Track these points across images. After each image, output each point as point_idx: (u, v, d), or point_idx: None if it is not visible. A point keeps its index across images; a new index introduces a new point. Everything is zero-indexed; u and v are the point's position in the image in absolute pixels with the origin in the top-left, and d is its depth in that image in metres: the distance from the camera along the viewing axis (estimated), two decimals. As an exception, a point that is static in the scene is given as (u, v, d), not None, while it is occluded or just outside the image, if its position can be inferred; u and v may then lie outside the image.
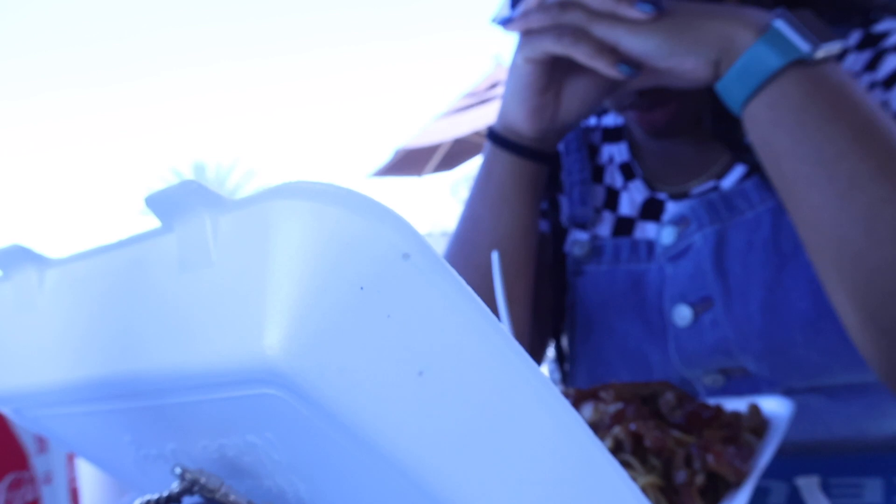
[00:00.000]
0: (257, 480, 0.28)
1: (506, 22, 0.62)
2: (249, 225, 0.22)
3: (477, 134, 5.45)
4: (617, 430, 0.47)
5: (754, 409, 0.53)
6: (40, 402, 0.31)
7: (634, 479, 0.36)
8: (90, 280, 0.28)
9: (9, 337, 0.31)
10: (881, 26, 0.66)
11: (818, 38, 0.51)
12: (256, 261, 0.21)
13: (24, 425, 0.34)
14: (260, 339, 0.21)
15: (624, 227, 0.75)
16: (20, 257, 0.30)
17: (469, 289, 0.24)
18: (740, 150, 0.64)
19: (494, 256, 0.56)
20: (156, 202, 0.24)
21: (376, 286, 0.22)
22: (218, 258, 0.23)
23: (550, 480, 0.25)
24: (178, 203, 0.24)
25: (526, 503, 0.25)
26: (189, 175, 27.79)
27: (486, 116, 5.44)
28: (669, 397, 0.52)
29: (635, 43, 0.54)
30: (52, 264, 0.30)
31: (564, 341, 0.82)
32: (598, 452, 0.26)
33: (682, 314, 0.70)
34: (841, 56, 0.64)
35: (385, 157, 6.41)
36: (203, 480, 0.40)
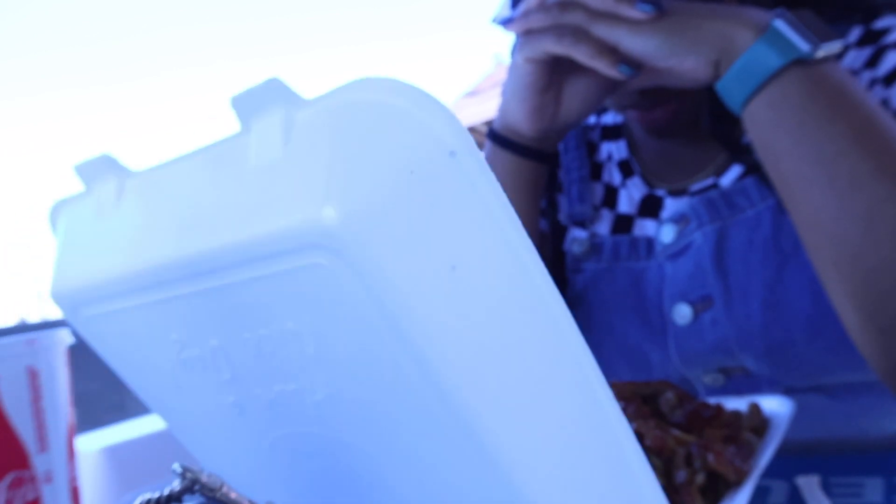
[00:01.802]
0: (284, 384, 0.30)
1: (506, 22, 0.62)
2: (321, 117, 0.25)
3: (476, 132, 5.46)
4: (617, 429, 0.47)
5: (755, 409, 0.53)
6: (98, 297, 0.32)
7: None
8: (167, 184, 0.30)
9: (84, 242, 0.33)
10: (881, 23, 0.66)
11: (818, 38, 0.51)
12: (323, 145, 0.24)
13: (77, 327, 0.35)
14: (319, 207, 0.23)
15: (623, 224, 0.75)
16: (104, 168, 0.32)
17: (505, 198, 0.26)
18: (738, 150, 0.64)
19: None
20: (238, 102, 0.27)
21: (424, 174, 0.24)
22: (289, 149, 0.25)
23: (555, 382, 0.27)
24: (258, 100, 0.26)
25: (533, 401, 0.27)
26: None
27: (485, 113, 5.45)
28: (670, 396, 0.52)
29: (636, 43, 0.54)
30: (133, 175, 0.32)
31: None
32: (594, 372, 0.28)
33: (682, 313, 0.70)
34: (841, 53, 0.64)
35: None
36: (204, 479, 0.40)
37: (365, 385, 0.27)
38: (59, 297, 0.34)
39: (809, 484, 0.49)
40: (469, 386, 0.25)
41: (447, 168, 0.25)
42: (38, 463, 0.48)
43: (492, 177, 0.26)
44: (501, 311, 0.26)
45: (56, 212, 0.36)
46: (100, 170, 0.33)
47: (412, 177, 0.24)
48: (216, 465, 0.35)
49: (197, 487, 0.42)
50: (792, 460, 0.54)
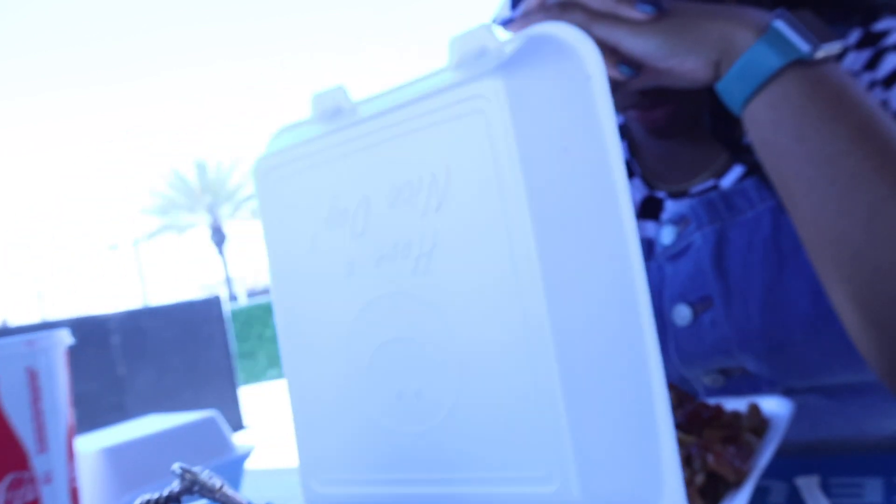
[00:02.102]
0: (400, 235, 0.38)
1: (506, 22, 0.62)
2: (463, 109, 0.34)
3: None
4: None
5: (754, 409, 0.53)
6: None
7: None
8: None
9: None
10: (881, 25, 0.66)
11: (818, 38, 0.51)
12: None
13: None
14: None
15: None
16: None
17: (613, 129, 0.34)
18: (739, 150, 0.64)
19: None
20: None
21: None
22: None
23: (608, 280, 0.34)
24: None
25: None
26: (191, 174, 27.77)
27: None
28: (670, 397, 0.52)
29: (636, 43, 0.54)
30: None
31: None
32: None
33: (682, 314, 0.70)
34: (841, 55, 0.64)
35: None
36: (203, 479, 0.40)
37: (466, 252, 0.34)
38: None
39: (809, 484, 0.49)
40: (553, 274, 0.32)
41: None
42: (38, 463, 0.48)
43: (608, 101, 0.35)
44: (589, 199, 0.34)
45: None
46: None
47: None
48: (305, 330, 0.41)
49: (196, 488, 0.42)
50: (791, 461, 0.54)
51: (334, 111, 0.42)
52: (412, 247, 0.36)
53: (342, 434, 0.39)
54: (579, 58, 0.35)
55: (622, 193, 0.34)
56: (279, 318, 0.43)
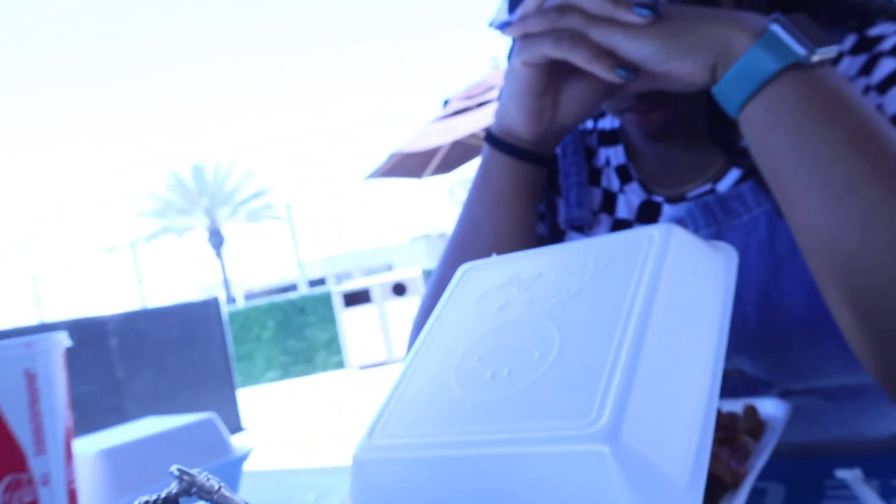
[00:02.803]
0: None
1: (504, 26, 0.62)
2: (629, 240, 0.48)
3: (474, 136, 5.45)
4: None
5: (751, 411, 0.53)
6: None
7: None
8: None
9: None
10: (876, 30, 0.66)
11: (814, 43, 0.51)
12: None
13: None
14: None
15: (621, 229, 0.75)
16: None
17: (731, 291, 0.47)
18: (735, 154, 0.64)
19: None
20: None
21: None
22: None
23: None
24: None
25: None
26: (189, 177, 27.77)
27: (481, 117, 5.44)
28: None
29: (633, 47, 0.55)
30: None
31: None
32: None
33: None
34: (836, 60, 0.65)
35: (381, 160, 6.40)
36: (201, 481, 0.40)
37: (598, 302, 0.43)
38: None
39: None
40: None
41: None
42: (36, 465, 0.48)
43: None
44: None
45: None
46: None
47: None
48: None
49: (194, 490, 0.42)
50: (788, 462, 0.54)
51: None
52: (559, 294, 0.45)
53: (422, 404, 0.44)
54: (723, 248, 0.49)
55: (725, 311, 0.45)
56: (422, 335, 0.49)
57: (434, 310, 0.51)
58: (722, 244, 0.50)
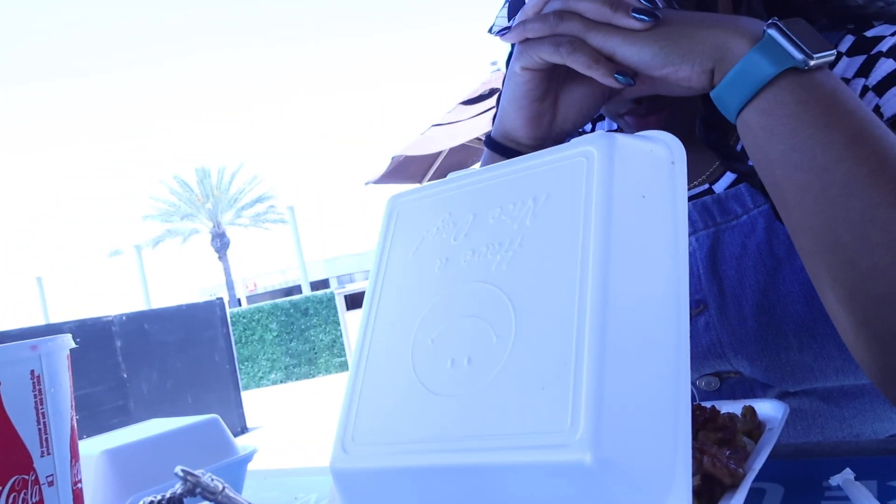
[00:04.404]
0: (490, 242, 0.44)
1: (503, 32, 0.62)
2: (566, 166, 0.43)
3: (477, 139, 5.45)
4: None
5: (749, 412, 0.53)
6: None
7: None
8: None
9: None
10: (873, 31, 0.66)
11: (811, 47, 0.51)
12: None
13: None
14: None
15: None
16: None
17: (684, 195, 0.44)
18: (730, 158, 0.65)
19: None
20: None
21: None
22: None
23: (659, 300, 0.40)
24: None
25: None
26: (193, 181, 27.79)
27: (481, 121, 5.44)
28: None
29: (631, 52, 0.55)
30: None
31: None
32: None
33: None
34: (834, 61, 0.65)
35: (384, 165, 6.40)
36: (205, 482, 0.41)
37: (546, 253, 0.40)
38: None
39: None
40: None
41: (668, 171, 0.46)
42: (41, 466, 0.48)
43: (684, 180, 0.45)
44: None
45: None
46: None
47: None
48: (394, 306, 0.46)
49: (198, 490, 0.43)
50: (786, 463, 0.54)
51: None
52: (501, 247, 0.42)
53: (386, 400, 0.42)
54: (669, 148, 0.46)
55: (682, 235, 0.42)
56: (366, 308, 0.47)
57: (373, 262, 0.49)
58: (662, 135, 0.47)
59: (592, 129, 0.85)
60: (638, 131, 0.69)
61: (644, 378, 0.37)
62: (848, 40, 0.67)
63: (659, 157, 0.44)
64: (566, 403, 0.34)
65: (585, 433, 0.33)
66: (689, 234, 0.70)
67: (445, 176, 0.51)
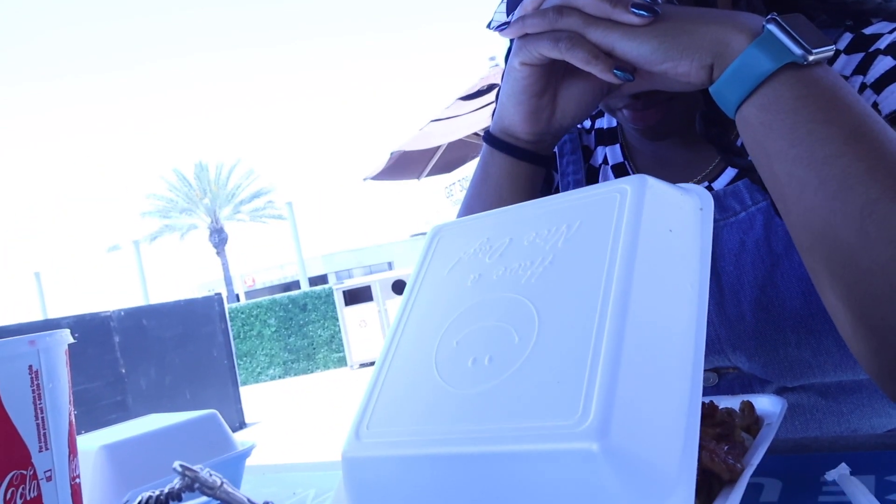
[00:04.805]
0: (521, 262, 0.46)
1: (502, 27, 0.62)
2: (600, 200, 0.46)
3: (475, 134, 5.45)
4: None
5: (747, 407, 0.53)
6: None
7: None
8: None
9: None
10: (871, 29, 0.66)
11: (810, 42, 0.51)
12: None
13: None
14: None
15: None
16: None
17: (709, 237, 0.46)
18: (730, 153, 0.65)
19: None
20: None
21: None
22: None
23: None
24: None
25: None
26: (192, 176, 27.77)
27: (480, 116, 5.44)
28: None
29: (630, 47, 0.55)
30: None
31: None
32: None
33: None
34: (832, 59, 0.65)
35: (382, 160, 6.40)
36: (203, 477, 0.41)
37: (573, 272, 0.42)
38: None
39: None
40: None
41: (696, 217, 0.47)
42: (39, 461, 0.48)
43: (709, 225, 0.46)
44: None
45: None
46: None
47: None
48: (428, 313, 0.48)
49: (197, 486, 0.43)
50: (784, 458, 0.54)
51: None
52: (532, 265, 0.44)
53: (406, 394, 0.43)
54: (699, 197, 0.48)
55: (704, 268, 0.44)
56: (397, 317, 0.49)
57: (409, 280, 0.51)
58: (694, 187, 0.49)
59: (592, 125, 0.84)
60: (635, 124, 0.70)
61: (657, 379, 0.37)
62: (846, 38, 0.67)
63: (688, 201, 0.47)
64: (578, 396, 0.35)
65: (594, 422, 0.34)
66: None
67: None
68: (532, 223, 0.48)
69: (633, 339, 0.37)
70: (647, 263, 0.41)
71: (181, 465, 0.45)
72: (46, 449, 0.49)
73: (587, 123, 0.85)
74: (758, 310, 0.67)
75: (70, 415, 0.52)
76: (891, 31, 0.65)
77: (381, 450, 0.41)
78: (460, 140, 5.64)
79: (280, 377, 13.09)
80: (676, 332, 0.40)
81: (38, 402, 0.49)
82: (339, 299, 11.42)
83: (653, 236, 0.42)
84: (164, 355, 7.85)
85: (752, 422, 0.52)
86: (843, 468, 0.48)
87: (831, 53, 0.52)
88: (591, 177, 0.81)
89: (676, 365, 0.39)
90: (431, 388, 0.42)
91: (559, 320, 0.40)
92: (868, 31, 0.66)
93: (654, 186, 0.45)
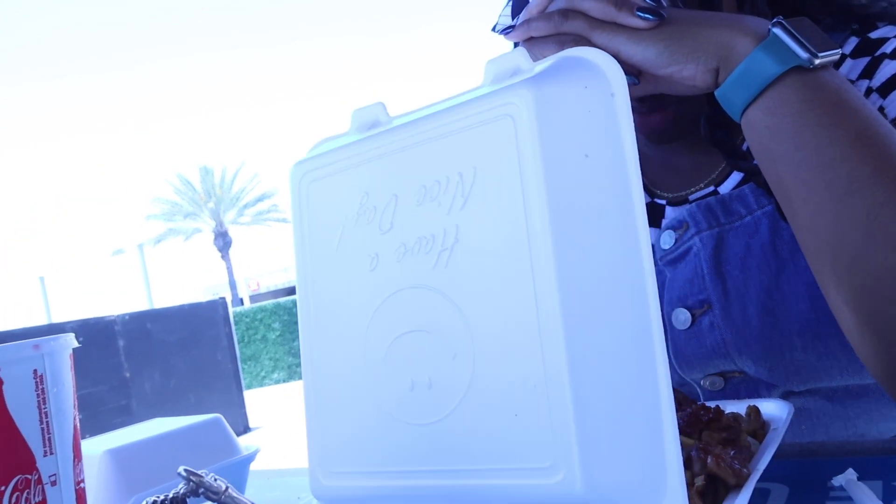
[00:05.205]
0: (424, 231, 0.39)
1: (507, 30, 0.62)
2: (490, 131, 0.36)
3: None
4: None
5: (753, 412, 0.53)
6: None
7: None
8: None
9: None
10: (878, 33, 0.66)
11: (816, 46, 0.51)
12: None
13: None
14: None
15: None
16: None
17: (632, 141, 0.37)
18: (736, 157, 0.65)
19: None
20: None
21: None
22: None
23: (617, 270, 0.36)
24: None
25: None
26: (196, 179, 27.85)
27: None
28: (670, 400, 0.52)
29: (636, 51, 0.55)
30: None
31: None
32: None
33: (681, 317, 0.71)
34: (838, 63, 0.65)
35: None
36: (208, 482, 0.41)
37: (486, 249, 0.36)
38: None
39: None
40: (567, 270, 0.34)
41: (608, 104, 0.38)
42: (44, 466, 0.48)
43: (628, 113, 0.38)
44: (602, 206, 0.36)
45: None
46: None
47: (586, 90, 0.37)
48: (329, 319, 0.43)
49: (201, 490, 0.43)
50: (790, 463, 0.54)
51: (372, 124, 0.44)
52: (435, 242, 0.38)
53: (354, 426, 0.40)
54: (605, 77, 0.38)
55: (637, 199, 0.36)
56: (302, 314, 0.44)
57: (295, 255, 0.46)
58: (594, 55, 0.39)
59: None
60: (640, 129, 0.70)
61: (621, 386, 0.34)
62: (852, 42, 0.67)
63: (595, 91, 0.37)
64: (546, 430, 0.33)
65: (573, 461, 0.32)
66: (694, 235, 0.70)
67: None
68: (416, 171, 0.40)
69: (581, 339, 0.33)
70: (570, 225, 0.34)
71: (186, 470, 0.45)
72: (51, 453, 0.49)
73: None
74: (764, 314, 0.67)
75: (75, 419, 0.52)
76: None
77: (349, 490, 0.39)
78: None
79: (284, 381, 13.10)
80: (627, 309, 0.35)
81: (42, 407, 0.49)
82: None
83: (566, 176, 0.35)
84: (169, 359, 7.86)
85: (759, 426, 0.52)
86: (850, 473, 0.48)
87: (837, 57, 0.52)
88: None
89: (636, 360, 0.35)
90: (379, 421, 0.39)
91: (491, 325, 0.35)
92: (874, 35, 0.66)
93: (550, 92, 0.36)
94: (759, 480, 0.45)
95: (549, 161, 0.35)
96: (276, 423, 8.29)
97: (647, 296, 0.35)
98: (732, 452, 0.46)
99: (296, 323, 13.30)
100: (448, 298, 0.37)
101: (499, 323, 0.35)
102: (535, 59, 0.60)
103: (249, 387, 12.61)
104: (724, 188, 0.71)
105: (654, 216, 0.75)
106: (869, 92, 0.63)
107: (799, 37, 0.51)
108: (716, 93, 0.55)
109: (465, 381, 0.36)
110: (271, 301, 13.89)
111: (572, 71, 0.38)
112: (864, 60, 0.65)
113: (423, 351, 0.38)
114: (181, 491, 0.42)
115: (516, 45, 0.63)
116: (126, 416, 7.10)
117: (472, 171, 0.37)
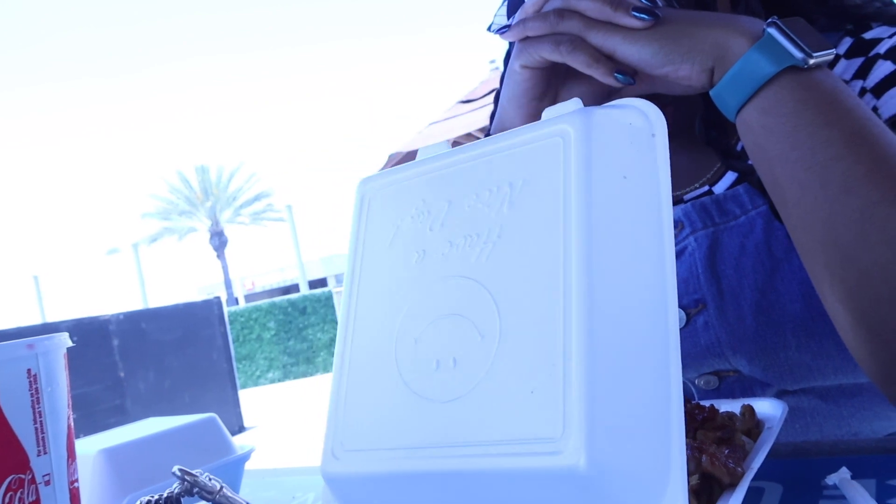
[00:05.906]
0: (469, 232, 0.43)
1: (503, 30, 0.62)
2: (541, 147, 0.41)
3: (471, 136, 5.46)
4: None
5: (748, 411, 0.53)
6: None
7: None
8: None
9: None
10: (872, 33, 0.66)
11: (811, 45, 0.51)
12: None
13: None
14: None
15: None
16: None
17: (667, 172, 0.41)
18: (731, 157, 0.65)
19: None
20: None
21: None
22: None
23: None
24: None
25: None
26: (193, 178, 27.80)
27: (480, 119, 5.45)
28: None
29: (632, 51, 0.55)
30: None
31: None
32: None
33: None
34: (832, 63, 0.65)
35: (381, 163, 6.41)
36: (202, 482, 0.41)
37: (526, 244, 0.39)
38: None
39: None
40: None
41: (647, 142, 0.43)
42: (38, 465, 0.48)
43: (665, 151, 0.42)
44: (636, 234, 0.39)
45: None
46: None
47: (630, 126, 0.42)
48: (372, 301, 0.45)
49: (196, 490, 0.43)
50: (785, 462, 0.54)
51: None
52: (479, 238, 0.41)
53: (375, 403, 0.42)
54: (648, 119, 0.43)
55: (666, 214, 0.40)
56: (345, 303, 0.47)
57: (348, 254, 0.48)
58: (639, 106, 0.45)
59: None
60: None
61: (635, 376, 0.36)
62: (846, 42, 0.67)
63: (638, 129, 0.42)
64: (557, 409, 0.34)
65: (578, 439, 0.33)
66: (689, 235, 0.70)
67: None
68: (470, 182, 0.44)
69: (603, 329, 0.35)
70: (605, 231, 0.38)
71: (180, 470, 0.45)
72: (45, 453, 0.49)
73: None
74: (758, 313, 0.67)
75: (69, 418, 0.52)
76: (891, 36, 0.65)
77: (360, 467, 0.40)
78: (459, 140, 5.65)
79: (279, 380, 13.09)
80: (649, 311, 0.38)
81: (36, 406, 0.48)
82: (338, 302, 11.42)
83: (606, 192, 0.39)
84: (163, 359, 7.85)
85: (753, 425, 0.52)
86: (844, 472, 0.48)
87: (832, 57, 0.52)
88: None
89: (653, 355, 0.37)
90: (400, 396, 0.40)
91: (520, 311, 0.37)
92: (868, 35, 0.66)
93: (598, 122, 0.41)
94: (753, 479, 0.45)
95: (590, 175, 0.39)
96: (271, 423, 8.28)
97: (667, 296, 0.38)
98: (727, 451, 0.46)
99: (291, 322, 13.30)
100: (484, 287, 0.39)
101: (527, 306, 0.37)
102: (532, 59, 0.60)
103: (244, 386, 12.59)
104: (719, 188, 0.71)
105: None
106: (863, 92, 0.64)
107: (794, 37, 0.51)
108: (711, 92, 0.55)
109: (488, 360, 0.37)
110: (266, 301, 13.88)
111: (619, 110, 0.43)
112: (859, 61, 0.65)
113: (454, 333, 0.40)
114: (176, 490, 0.42)
115: (511, 43, 0.63)
116: (120, 416, 7.09)
117: (521, 181, 0.41)
